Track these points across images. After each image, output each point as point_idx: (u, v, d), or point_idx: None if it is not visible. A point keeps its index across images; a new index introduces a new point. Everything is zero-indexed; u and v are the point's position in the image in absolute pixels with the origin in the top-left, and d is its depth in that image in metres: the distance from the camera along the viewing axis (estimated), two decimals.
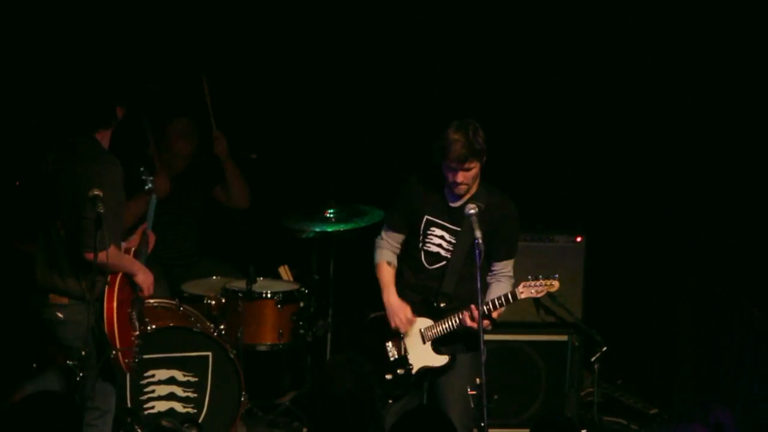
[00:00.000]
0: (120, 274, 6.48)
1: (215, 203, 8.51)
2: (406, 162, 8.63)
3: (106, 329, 6.37)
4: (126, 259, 6.56)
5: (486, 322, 6.78)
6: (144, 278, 6.57)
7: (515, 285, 6.86)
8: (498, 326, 7.48)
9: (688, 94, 8.44)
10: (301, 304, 8.07)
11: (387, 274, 6.97)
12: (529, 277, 6.86)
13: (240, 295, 7.87)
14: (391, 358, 6.92)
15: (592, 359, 7.88)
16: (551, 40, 8.86)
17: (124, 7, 8.69)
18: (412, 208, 6.92)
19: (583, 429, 8.01)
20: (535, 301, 7.94)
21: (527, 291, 6.86)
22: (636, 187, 8.83)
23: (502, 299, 6.80)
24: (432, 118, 8.82)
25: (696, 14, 8.31)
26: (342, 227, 8.22)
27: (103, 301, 6.39)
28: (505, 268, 6.88)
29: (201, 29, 8.89)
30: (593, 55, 8.82)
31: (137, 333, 6.56)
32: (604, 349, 7.85)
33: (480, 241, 6.55)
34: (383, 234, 7.03)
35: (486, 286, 6.90)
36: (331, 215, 8.30)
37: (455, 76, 8.97)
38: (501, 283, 6.87)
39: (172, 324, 7.48)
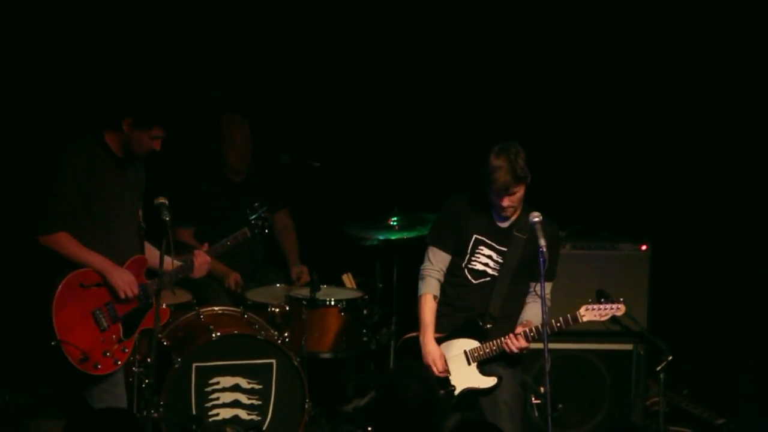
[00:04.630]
0: (79, 271, 6.47)
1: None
2: (469, 170, 8.63)
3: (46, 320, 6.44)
4: (79, 251, 6.49)
5: (525, 344, 6.76)
6: (116, 281, 6.50)
7: (579, 303, 6.83)
8: (562, 335, 7.46)
9: (756, 102, 8.37)
10: (365, 312, 8.07)
11: (429, 312, 6.91)
12: (590, 300, 6.82)
13: (304, 302, 7.89)
14: None
15: (658, 368, 7.80)
16: (612, 50, 8.83)
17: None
18: (460, 225, 6.91)
19: None
20: None
21: (590, 314, 6.81)
22: (701, 195, 8.76)
23: (561, 322, 6.77)
24: (496, 127, 8.84)
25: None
26: (405, 235, 8.23)
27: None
28: (544, 290, 6.79)
29: (263, 44, 8.95)
30: (660, 64, 8.78)
31: (115, 336, 6.51)
32: (670, 358, 7.77)
33: (544, 249, 6.51)
34: (429, 257, 6.96)
35: (522, 306, 6.90)
36: (395, 223, 8.32)
37: (521, 86, 8.96)
38: (537, 304, 6.79)
39: (236, 331, 7.50)
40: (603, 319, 6.84)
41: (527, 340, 6.75)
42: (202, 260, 6.82)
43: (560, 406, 7.54)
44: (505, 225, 6.90)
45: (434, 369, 6.83)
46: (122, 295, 6.53)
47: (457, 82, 9.05)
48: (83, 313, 6.46)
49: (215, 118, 8.44)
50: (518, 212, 6.89)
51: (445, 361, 6.86)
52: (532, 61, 8.95)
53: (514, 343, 6.75)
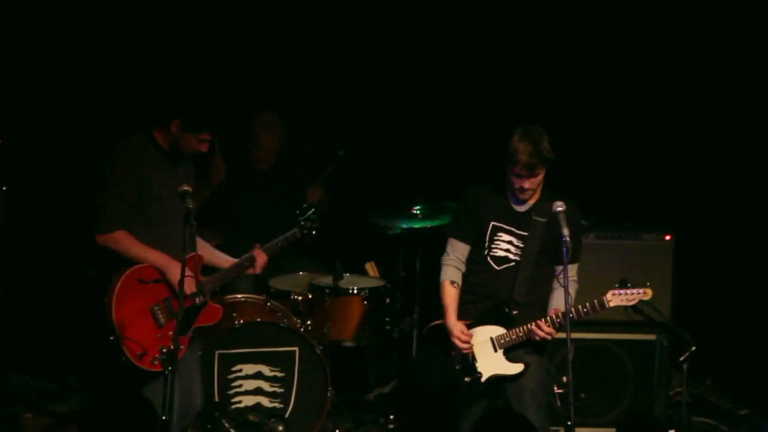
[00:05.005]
0: (137, 267, 6.47)
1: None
2: (492, 159, 8.63)
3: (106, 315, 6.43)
4: (137, 248, 6.49)
5: (552, 330, 6.73)
6: (176, 277, 6.41)
7: (603, 293, 6.80)
8: (585, 325, 7.45)
9: None
10: (388, 301, 8.08)
11: (449, 297, 6.91)
12: (616, 285, 6.80)
13: (327, 291, 7.89)
14: (457, 367, 6.85)
15: (681, 359, 7.79)
16: (639, 37, 8.80)
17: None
18: (477, 214, 6.90)
19: (672, 429, 7.93)
20: None
21: (616, 299, 6.78)
22: (725, 185, 8.73)
23: (588, 307, 6.74)
24: (520, 115, 8.82)
25: None
26: (429, 224, 8.22)
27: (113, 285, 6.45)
28: (570, 272, 6.71)
29: (289, 33, 8.96)
30: (684, 52, 8.74)
31: (171, 333, 6.43)
32: (693, 348, 7.76)
33: (567, 238, 6.49)
34: (448, 249, 6.97)
35: (550, 290, 6.88)
36: (418, 212, 8.32)
37: (545, 74, 8.94)
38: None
39: (259, 319, 7.52)
40: (630, 303, 6.82)
41: (553, 326, 6.73)
42: (262, 259, 6.84)
43: (583, 395, 7.51)
44: (523, 209, 6.88)
45: (458, 343, 6.81)
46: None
47: (481, 71, 9.03)
48: (142, 309, 6.45)
49: (242, 109, 8.45)
50: (537, 196, 6.86)
51: (473, 352, 6.84)
52: (557, 49, 8.93)
53: (541, 329, 6.73)
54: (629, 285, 6.82)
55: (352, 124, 9.11)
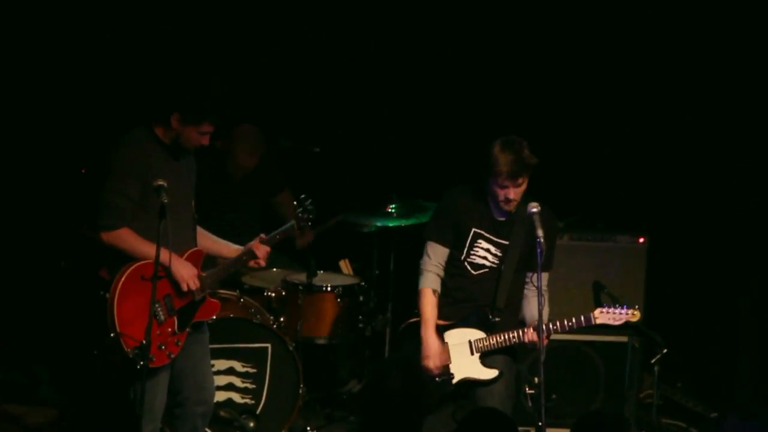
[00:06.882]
0: (141, 263, 6.40)
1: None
2: (468, 160, 8.65)
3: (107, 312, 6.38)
4: (142, 245, 6.41)
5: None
6: (181, 273, 6.45)
7: (577, 294, 6.81)
8: None
9: (757, 97, 8.38)
10: (361, 299, 8.08)
11: (430, 307, 6.81)
12: (605, 305, 6.80)
13: (300, 287, 7.90)
14: None
15: (652, 361, 7.81)
16: (611, 42, 8.83)
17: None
18: (458, 220, 6.85)
19: (642, 431, 7.96)
20: (596, 301, 7.90)
21: (604, 317, 6.77)
22: (699, 188, 8.76)
23: (573, 322, 6.74)
24: (496, 116, 8.85)
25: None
26: (403, 222, 8.24)
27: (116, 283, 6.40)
28: (542, 280, 6.66)
29: (266, 28, 8.96)
30: (659, 54, 8.77)
31: (170, 329, 6.45)
32: (665, 351, 7.79)
33: (542, 240, 6.48)
34: (428, 252, 6.87)
35: (522, 297, 6.88)
36: (393, 210, 8.33)
37: (520, 76, 8.96)
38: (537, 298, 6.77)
39: (232, 315, 7.51)
40: (617, 323, 6.80)
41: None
42: (264, 251, 6.77)
43: (554, 396, 7.54)
44: (503, 219, 6.85)
45: (430, 364, 6.79)
46: (185, 288, 6.48)
47: (458, 71, 9.04)
48: (143, 306, 6.36)
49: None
50: (516, 205, 6.85)
51: (449, 356, 6.83)
52: (531, 52, 8.95)
53: (530, 334, 6.71)
54: (618, 304, 6.82)
55: (328, 121, 9.11)
